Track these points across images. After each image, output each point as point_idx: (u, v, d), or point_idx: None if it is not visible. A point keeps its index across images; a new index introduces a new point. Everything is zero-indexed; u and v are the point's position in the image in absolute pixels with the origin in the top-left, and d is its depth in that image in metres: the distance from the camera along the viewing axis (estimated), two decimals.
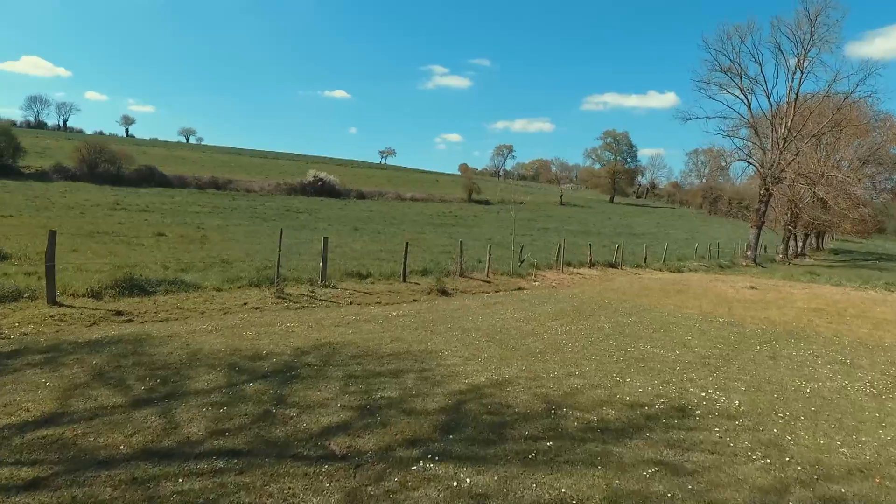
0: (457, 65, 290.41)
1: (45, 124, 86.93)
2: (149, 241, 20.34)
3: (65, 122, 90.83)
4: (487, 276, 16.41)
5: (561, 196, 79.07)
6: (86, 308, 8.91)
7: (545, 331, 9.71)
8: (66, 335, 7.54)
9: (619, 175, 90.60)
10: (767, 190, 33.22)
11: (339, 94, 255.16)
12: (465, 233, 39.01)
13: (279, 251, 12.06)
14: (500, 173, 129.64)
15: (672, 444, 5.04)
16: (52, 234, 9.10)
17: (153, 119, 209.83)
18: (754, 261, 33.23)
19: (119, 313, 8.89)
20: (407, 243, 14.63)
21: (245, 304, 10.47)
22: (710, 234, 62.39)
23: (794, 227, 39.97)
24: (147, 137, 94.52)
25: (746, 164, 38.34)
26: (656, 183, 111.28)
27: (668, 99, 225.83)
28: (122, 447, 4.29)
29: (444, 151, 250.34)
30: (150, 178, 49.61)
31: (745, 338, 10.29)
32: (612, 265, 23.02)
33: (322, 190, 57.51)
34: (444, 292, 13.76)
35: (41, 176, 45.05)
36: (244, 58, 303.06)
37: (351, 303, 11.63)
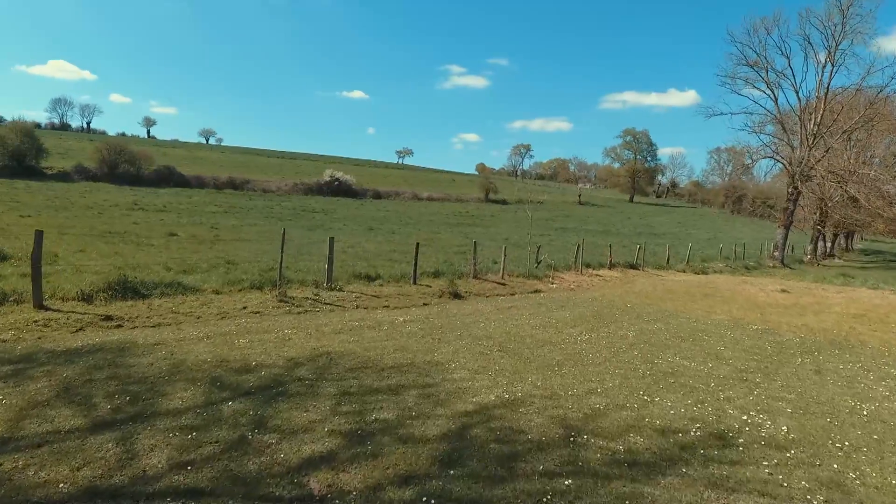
0: (474, 64, 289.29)
1: (70, 126, 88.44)
2: (159, 241, 19.98)
3: (88, 123, 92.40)
4: (502, 278, 15.63)
5: (579, 195, 77.68)
6: (74, 312, 8.38)
7: (563, 339, 8.92)
8: (46, 343, 6.98)
9: (639, 174, 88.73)
10: (796, 188, 31.80)
11: (358, 94, 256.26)
12: (482, 233, 38.24)
13: (282, 252, 11.44)
14: (518, 173, 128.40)
15: (714, 482, 4.24)
16: (39, 235, 8.58)
17: (175, 120, 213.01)
18: (782, 262, 31.84)
19: (108, 318, 8.33)
20: (417, 244, 13.93)
21: (244, 308, 9.87)
22: (733, 234, 60.63)
23: (823, 227, 38.34)
24: (168, 138, 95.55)
25: (772, 161, 36.90)
26: (677, 182, 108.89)
27: (688, 97, 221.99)
28: (63, 484, 3.65)
29: (461, 151, 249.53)
30: (168, 178, 49.78)
31: (784, 348, 9.36)
32: (634, 266, 22.04)
33: (339, 190, 57.21)
34: (456, 295, 13.04)
35: (63, 177, 45.45)
36: (264, 60, 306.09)
37: (357, 306, 10.97)
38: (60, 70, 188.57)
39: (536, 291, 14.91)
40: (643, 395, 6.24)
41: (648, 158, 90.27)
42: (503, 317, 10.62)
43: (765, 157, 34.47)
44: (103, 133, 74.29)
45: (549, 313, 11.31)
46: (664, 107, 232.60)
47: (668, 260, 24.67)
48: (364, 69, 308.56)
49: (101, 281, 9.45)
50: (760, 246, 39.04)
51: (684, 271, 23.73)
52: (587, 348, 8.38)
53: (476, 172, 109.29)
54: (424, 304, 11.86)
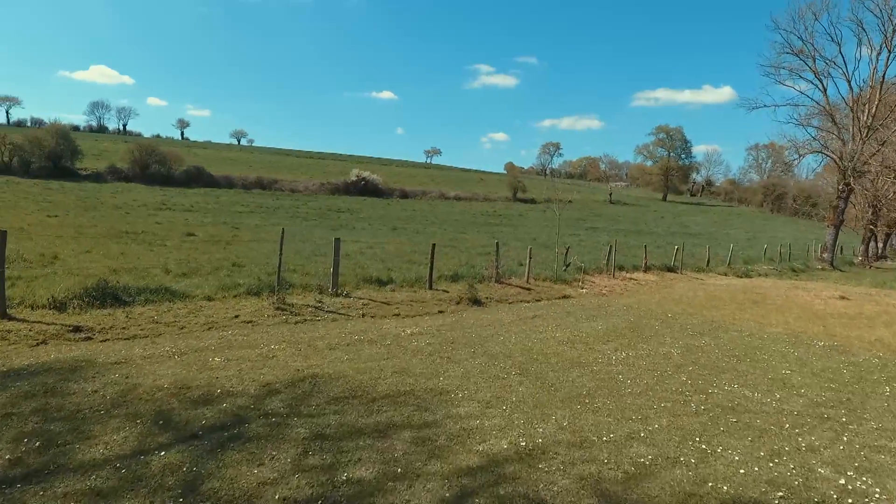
0: (503, 63, 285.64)
1: (107, 128, 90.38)
2: (175, 241, 19.28)
3: (124, 126, 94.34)
4: (527, 282, 14.25)
5: (610, 194, 75.16)
6: (40, 323, 7.42)
7: (595, 358, 7.52)
8: None
9: (673, 172, 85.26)
10: (847, 184, 29.32)
11: (387, 95, 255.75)
12: (509, 233, 36.81)
13: (280, 255, 10.34)
14: (547, 172, 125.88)
15: None
16: (2, 235, 7.65)
17: (209, 123, 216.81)
18: (831, 264, 29.42)
19: (77, 329, 7.34)
20: (433, 245, 12.67)
21: (236, 316, 8.79)
22: (773, 233, 57.51)
23: (876, 227, 35.52)
24: (201, 140, 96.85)
25: (816, 157, 34.30)
26: (712, 180, 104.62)
27: (723, 93, 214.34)
28: None
29: (490, 151, 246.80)
30: (198, 178, 49.84)
31: (864, 372, 7.75)
32: (671, 269, 20.31)
33: (365, 189, 56.49)
34: (475, 302, 11.74)
35: (96, 177, 45.90)
36: (295, 62, 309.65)
37: (363, 315, 9.79)
38: (101, 75, 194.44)
39: (564, 297, 13.49)
40: (700, 442, 4.83)
41: (682, 156, 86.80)
42: (526, 328, 9.27)
43: (812, 152, 31.97)
44: (139, 135, 75.74)
45: (578, 324, 9.89)
46: (698, 104, 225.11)
47: (707, 262, 22.78)
48: (393, 70, 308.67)
49: (78, 286, 8.50)
50: (806, 247, 36.44)
51: (726, 274, 21.84)
52: (624, 371, 6.97)
53: (505, 172, 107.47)
54: (439, 312, 10.61)
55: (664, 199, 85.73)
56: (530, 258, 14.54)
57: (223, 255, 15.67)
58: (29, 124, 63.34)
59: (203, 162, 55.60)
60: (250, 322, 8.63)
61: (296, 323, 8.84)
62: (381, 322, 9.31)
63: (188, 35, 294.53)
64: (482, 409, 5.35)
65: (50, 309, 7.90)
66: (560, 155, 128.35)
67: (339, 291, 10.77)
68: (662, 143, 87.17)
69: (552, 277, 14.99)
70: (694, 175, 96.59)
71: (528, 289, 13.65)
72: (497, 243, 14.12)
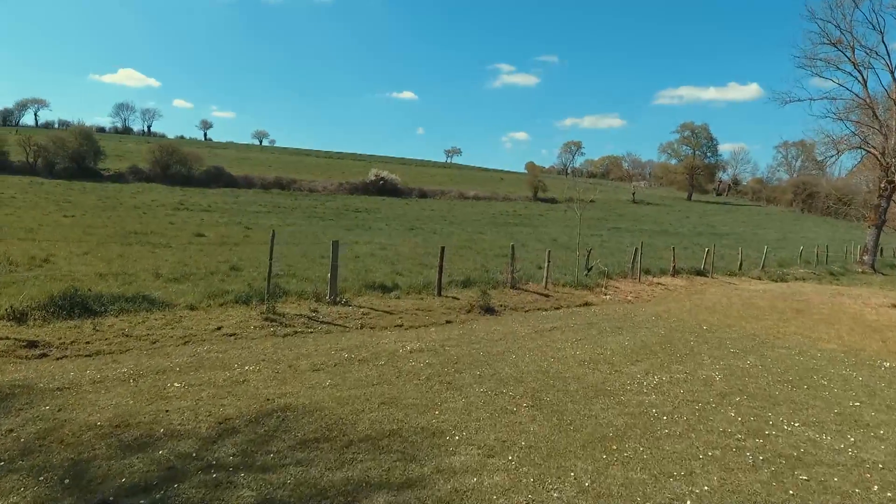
0: (524, 62, 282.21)
1: (131, 130, 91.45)
2: (182, 242, 18.58)
3: (149, 127, 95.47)
4: (546, 287, 13.07)
5: (633, 193, 72.99)
6: None
7: (622, 384, 6.36)
8: None
9: (698, 171, 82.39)
10: (890, 182, 27.31)
11: (407, 95, 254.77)
12: (529, 233, 35.59)
13: (270, 259, 9.38)
14: (568, 171, 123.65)
15: None
16: None
17: (233, 124, 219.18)
18: (872, 267, 27.46)
19: (32, 344, 6.47)
20: (442, 249, 11.57)
21: (218, 328, 7.85)
22: (805, 234, 55.02)
23: None
24: (224, 141, 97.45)
25: (852, 154, 32.19)
26: (739, 179, 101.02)
27: (750, 91, 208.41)
28: None
29: (511, 150, 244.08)
30: (217, 178, 49.67)
31: None
32: (701, 273, 18.88)
33: (384, 189, 55.72)
34: (488, 310, 10.64)
35: (118, 178, 46.00)
36: (317, 64, 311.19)
37: (362, 326, 8.77)
38: (129, 78, 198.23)
39: (586, 305, 12.29)
40: None
41: (708, 154, 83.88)
42: (542, 343, 8.13)
43: (852, 148, 29.97)
44: (163, 136, 76.43)
45: (601, 338, 8.71)
46: (723, 101, 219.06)
47: (740, 265, 21.22)
48: (413, 70, 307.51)
49: (43, 294, 7.65)
50: (843, 248, 34.34)
51: (760, 278, 20.30)
52: (658, 403, 5.79)
53: (525, 171, 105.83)
54: (447, 323, 9.54)
55: (689, 198, 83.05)
56: (549, 261, 13.36)
57: (225, 258, 14.84)
58: (56, 126, 64.28)
59: (223, 162, 55.52)
60: (233, 335, 7.68)
61: (284, 336, 7.87)
62: (379, 335, 8.27)
63: (213, 38, 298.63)
64: (483, 458, 4.25)
65: (9, 320, 7.05)
66: (582, 154, 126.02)
67: (338, 299, 9.77)
68: (687, 140, 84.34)
69: (573, 282, 13.77)
70: (720, 174, 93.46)
71: (547, 295, 12.48)
72: (512, 246, 12.96)
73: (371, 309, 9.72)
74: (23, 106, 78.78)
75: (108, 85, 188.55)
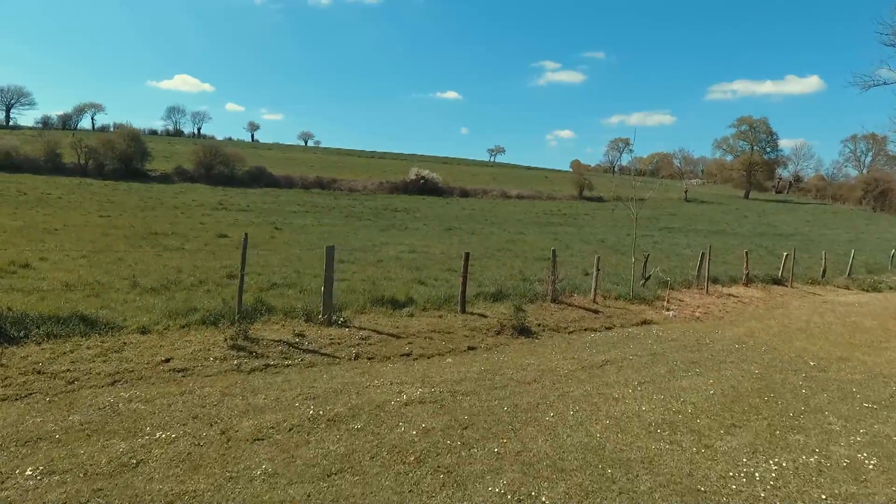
0: (569, 59, 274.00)
1: (182, 132, 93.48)
2: (197, 244, 17.20)
3: (199, 129, 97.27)
4: (594, 301, 10.67)
5: (686, 191, 68.31)
6: None
7: (719, 476, 4.02)
8: None
9: (756, 167, 76.26)
10: None
11: (451, 95, 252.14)
12: (573, 233, 32.92)
13: (242, 269, 7.45)
14: (615, 168, 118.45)
15: None
16: None
17: (281, 126, 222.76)
18: None
19: None
20: (467, 254, 9.36)
21: (166, 360, 5.99)
22: (881, 235, 49.51)
23: None
24: (270, 142, 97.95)
25: None
26: (801, 176, 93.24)
27: (810, 83, 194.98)
28: None
29: (556, 149, 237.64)
30: (259, 178, 49.22)
31: None
32: (778, 281, 15.90)
33: (424, 188, 53.96)
34: (522, 331, 8.42)
35: (164, 178, 46.15)
36: (363, 65, 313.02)
37: (356, 356, 6.73)
38: (184, 83, 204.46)
39: (644, 324, 9.84)
40: None
41: (768, 149, 77.45)
42: (591, 389, 5.84)
43: None
44: (212, 138, 77.59)
45: (673, 381, 6.32)
46: (780, 95, 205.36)
47: (823, 271, 17.97)
48: (457, 70, 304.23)
49: None
50: None
51: (848, 287, 17.07)
52: None
53: (570, 170, 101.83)
54: (468, 350, 7.39)
55: (746, 196, 77.08)
56: (598, 269, 10.93)
57: (233, 262, 13.19)
58: (111, 129, 66.03)
59: (266, 162, 55.19)
60: (183, 371, 5.79)
61: (250, 372, 5.92)
62: (375, 372, 6.20)
63: (263, 43, 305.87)
64: None
65: None
66: (630, 151, 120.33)
67: (334, 318, 7.77)
68: (744, 135, 78.17)
69: (627, 295, 11.30)
70: (780, 170, 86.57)
71: (596, 311, 10.10)
72: (553, 251, 10.61)
73: (374, 331, 7.66)
74: (80, 110, 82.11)
75: (165, 91, 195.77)
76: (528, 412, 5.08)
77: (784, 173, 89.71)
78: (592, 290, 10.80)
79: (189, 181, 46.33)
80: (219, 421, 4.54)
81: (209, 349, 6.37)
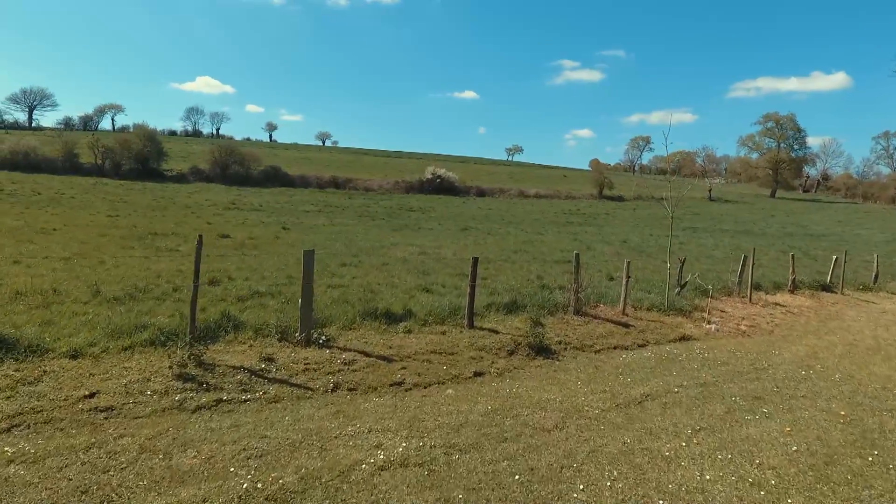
0: (588, 57, 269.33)
1: (201, 133, 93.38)
2: (192, 246, 16.12)
3: (217, 130, 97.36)
4: (623, 312, 9.15)
5: (710, 190, 65.72)
6: None
7: None
8: None
9: (783, 165, 73.02)
10: None
11: (469, 94, 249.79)
12: (594, 233, 31.25)
13: (196, 278, 6.14)
14: (635, 167, 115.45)
15: None
16: None
17: (300, 126, 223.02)
18: None
19: None
20: (475, 259, 7.91)
21: (92, 395, 4.71)
22: None
23: None
24: (289, 142, 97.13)
25: None
26: (829, 174, 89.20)
27: (836, 80, 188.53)
28: None
29: (574, 148, 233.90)
30: (274, 178, 48.44)
31: None
32: (826, 287, 14.12)
33: (441, 187, 52.62)
34: (540, 351, 6.99)
35: (180, 178, 45.61)
36: (381, 66, 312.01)
37: (335, 386, 5.39)
38: (206, 85, 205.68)
39: (683, 339, 8.32)
40: None
41: (795, 147, 74.08)
42: (631, 442, 4.38)
43: None
44: (230, 138, 77.28)
45: (737, 428, 4.82)
46: (806, 92, 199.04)
47: (876, 276, 16.05)
48: (475, 69, 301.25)
49: None
50: None
51: None
52: None
53: (589, 169, 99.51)
54: (474, 376, 6.00)
55: (772, 195, 73.94)
56: (628, 276, 9.38)
57: (223, 266, 11.99)
58: (131, 130, 66.12)
59: (282, 162, 54.42)
60: (107, 410, 4.51)
61: (194, 411, 4.61)
62: (353, 410, 4.84)
63: (282, 45, 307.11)
64: None
65: None
66: (650, 149, 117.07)
67: (314, 337, 6.42)
68: (771, 132, 74.91)
69: (660, 305, 9.74)
70: (807, 168, 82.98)
71: (626, 325, 8.59)
72: (576, 255, 9.11)
73: (361, 353, 6.30)
74: (101, 111, 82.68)
75: (188, 92, 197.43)
76: (547, 483, 3.65)
77: (811, 171, 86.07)
78: (622, 299, 9.28)
79: (204, 181, 45.73)
80: (114, 499, 3.21)
81: (149, 379, 5.07)
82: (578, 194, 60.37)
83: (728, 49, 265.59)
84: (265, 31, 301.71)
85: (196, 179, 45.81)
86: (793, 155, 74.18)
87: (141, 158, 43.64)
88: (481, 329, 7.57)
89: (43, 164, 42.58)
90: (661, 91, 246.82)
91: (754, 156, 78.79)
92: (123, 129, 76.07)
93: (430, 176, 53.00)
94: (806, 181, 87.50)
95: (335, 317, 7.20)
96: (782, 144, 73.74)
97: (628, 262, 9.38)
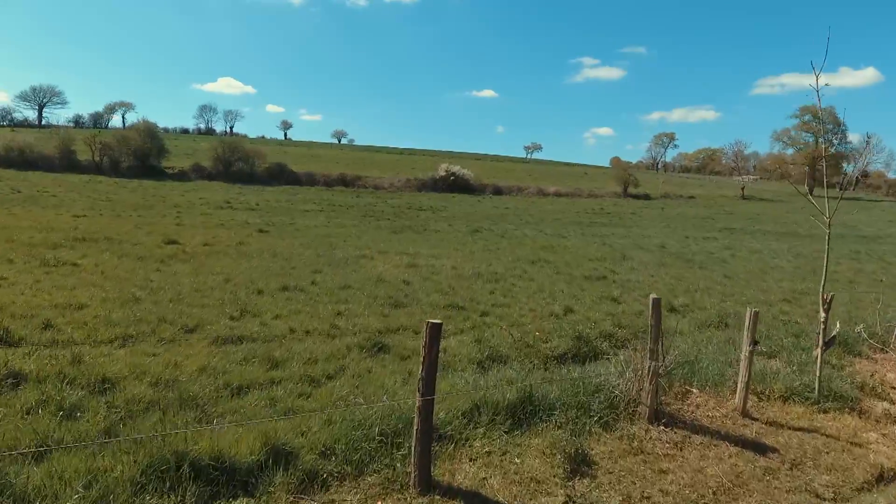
0: (608, 55, 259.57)
1: (214, 131, 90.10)
2: (122, 254, 12.03)
3: (231, 128, 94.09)
4: (743, 411, 4.56)
5: (742, 188, 59.74)
6: None
7: None
8: None
9: (821, 161, 66.28)
10: None
11: (488, 93, 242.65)
12: (623, 236, 26.41)
13: None
14: (659, 165, 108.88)
15: None
16: None
17: (319, 126, 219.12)
18: None
19: None
20: (435, 327, 3.49)
21: None
22: None
23: None
24: (304, 140, 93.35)
25: None
26: (868, 171, 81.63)
27: (865, 76, 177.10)
28: None
29: (594, 146, 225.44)
30: (280, 176, 44.66)
31: None
32: None
33: (455, 185, 48.18)
34: None
35: (181, 176, 42.14)
36: (399, 65, 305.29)
37: None
38: (228, 86, 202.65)
39: (880, 480, 3.73)
40: None
41: (835, 142, 67.27)
42: None
43: None
44: (244, 136, 73.93)
45: None
46: (834, 89, 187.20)
47: None
48: (494, 68, 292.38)
49: None
50: None
51: None
52: None
53: (610, 166, 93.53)
54: None
55: (810, 193, 67.51)
56: (754, 343, 4.72)
57: (109, 292, 7.77)
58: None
59: (291, 159, 50.60)
60: None
61: None
62: None
63: (302, 45, 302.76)
64: None
65: None
66: (675, 146, 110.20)
67: None
68: (808, 126, 68.43)
69: (801, 388, 5.09)
70: (846, 165, 75.75)
71: (757, 444, 4.02)
72: (654, 302, 4.51)
73: None
74: (111, 109, 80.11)
75: (210, 93, 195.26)
76: None
77: (849, 168, 78.76)
78: (740, 386, 4.66)
79: (206, 178, 42.16)
80: None
81: None
82: (601, 192, 55.22)
83: (752, 45, 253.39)
84: (285, 32, 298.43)
85: (198, 177, 42.26)
86: (834, 150, 67.39)
87: (140, 155, 40.24)
88: (448, 494, 3.10)
89: (40, 162, 39.52)
90: (683, 88, 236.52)
91: (789, 151, 72.13)
92: (133, 127, 73.52)
93: (443, 173, 48.60)
94: (843, 179, 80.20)
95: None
96: (821, 139, 67.06)
97: (754, 312, 4.67)
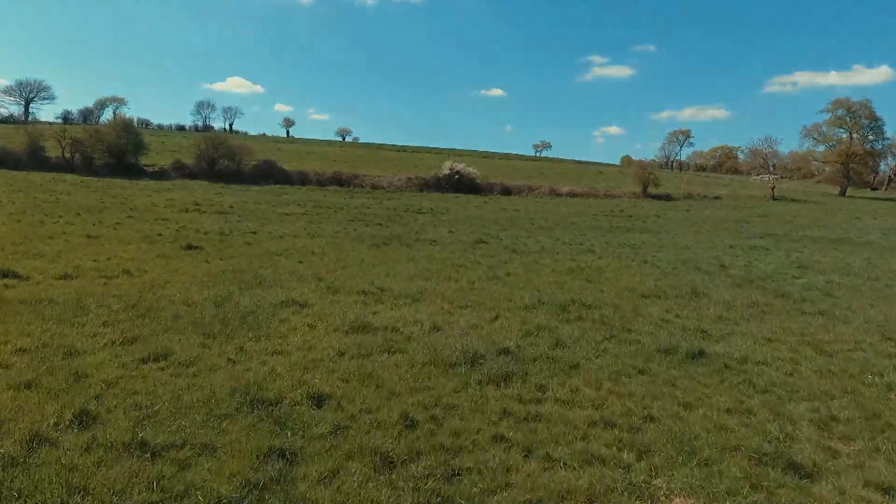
0: (618, 53, 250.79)
1: (212, 128, 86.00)
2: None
3: (230, 125, 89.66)
4: None
5: (773, 188, 53.74)
6: None
7: None
8: None
9: (856, 158, 59.92)
10: None
11: (496, 92, 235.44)
12: (657, 245, 21.04)
13: None
14: (672, 163, 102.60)
15: None
16: None
17: (327, 125, 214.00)
18: None
19: None
20: None
21: None
22: None
23: None
24: (307, 138, 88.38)
25: None
26: None
27: (880, 74, 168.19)
28: None
29: (603, 145, 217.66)
30: (269, 174, 39.78)
31: None
32: None
33: (459, 184, 43.02)
34: None
35: (160, 174, 37.48)
36: (408, 64, 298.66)
37: None
38: (237, 86, 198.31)
39: None
40: None
41: (871, 138, 60.78)
42: None
43: None
44: (245, 134, 69.50)
45: None
46: (847, 87, 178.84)
47: None
48: (502, 67, 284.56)
49: None
50: None
51: None
52: None
53: (621, 164, 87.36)
54: None
55: (842, 193, 61.07)
56: None
57: None
58: (135, 124, 59.04)
59: (285, 157, 45.76)
60: None
61: None
62: None
63: (312, 45, 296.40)
64: None
65: None
66: (690, 144, 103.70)
67: None
68: (841, 121, 61.98)
69: None
70: (881, 163, 69.10)
71: None
72: None
73: None
74: (102, 104, 75.95)
75: (219, 92, 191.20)
76: None
77: (883, 167, 72.07)
78: None
79: (188, 177, 37.45)
80: None
81: None
82: (618, 192, 49.64)
83: (763, 42, 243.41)
84: (294, 32, 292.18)
85: (179, 176, 37.56)
86: (869, 147, 60.98)
87: (116, 152, 35.59)
88: None
89: (7, 159, 35.12)
90: (693, 87, 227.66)
91: (820, 148, 65.75)
92: (108, 121, 69.14)
93: (447, 171, 43.44)
94: (874, 178, 73.54)
95: None
96: (855, 135, 60.65)
97: None
